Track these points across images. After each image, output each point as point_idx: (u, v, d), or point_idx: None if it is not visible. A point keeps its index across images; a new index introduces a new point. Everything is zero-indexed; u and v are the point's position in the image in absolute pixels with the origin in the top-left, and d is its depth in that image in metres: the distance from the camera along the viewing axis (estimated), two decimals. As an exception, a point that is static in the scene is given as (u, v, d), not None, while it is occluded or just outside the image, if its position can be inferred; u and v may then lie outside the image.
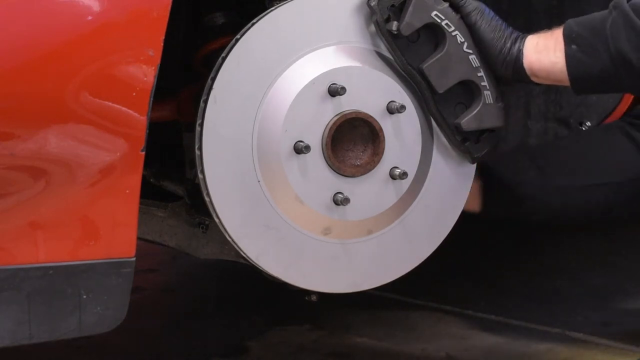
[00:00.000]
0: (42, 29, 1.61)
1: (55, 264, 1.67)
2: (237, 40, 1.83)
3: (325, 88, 1.86)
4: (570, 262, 3.10)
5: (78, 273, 1.69)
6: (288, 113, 1.84)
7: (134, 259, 1.72)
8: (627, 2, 1.88)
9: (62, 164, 1.64)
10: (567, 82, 1.93)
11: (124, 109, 1.65)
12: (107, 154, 1.66)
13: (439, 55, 1.92)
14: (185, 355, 2.54)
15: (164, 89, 1.76)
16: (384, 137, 1.91)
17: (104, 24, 1.64)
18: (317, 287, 1.97)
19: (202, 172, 1.83)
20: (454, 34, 1.92)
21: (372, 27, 1.91)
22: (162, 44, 1.66)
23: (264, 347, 2.55)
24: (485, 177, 2.19)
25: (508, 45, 1.93)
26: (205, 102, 1.81)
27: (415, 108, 1.94)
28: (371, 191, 1.92)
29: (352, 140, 1.92)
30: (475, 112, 1.96)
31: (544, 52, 1.93)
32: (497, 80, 1.97)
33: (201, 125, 1.81)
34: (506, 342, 2.53)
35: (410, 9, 1.88)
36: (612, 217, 2.45)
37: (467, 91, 1.96)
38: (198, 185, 1.85)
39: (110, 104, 1.65)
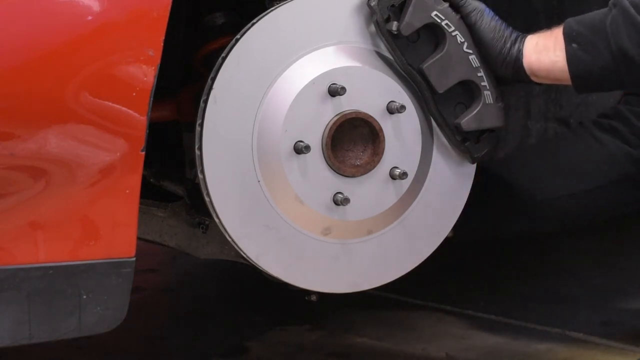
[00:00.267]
0: (42, 29, 1.61)
1: (55, 264, 1.67)
2: (237, 40, 1.83)
3: (325, 88, 1.86)
4: (570, 262, 3.09)
5: (78, 273, 1.69)
6: (288, 113, 1.84)
7: (134, 259, 1.72)
8: None
9: (62, 164, 1.64)
10: (567, 81, 1.93)
11: (124, 109, 1.65)
12: (107, 154, 1.66)
13: (439, 55, 1.92)
14: (185, 355, 2.54)
15: (164, 89, 1.77)
16: (384, 137, 1.91)
17: (104, 24, 1.64)
18: (317, 287, 1.97)
19: (202, 172, 1.83)
20: (454, 34, 1.92)
21: (372, 27, 1.92)
22: (162, 44, 1.66)
23: (264, 347, 2.55)
24: None
25: (508, 45, 1.93)
26: (205, 102, 1.81)
27: (415, 108, 1.94)
28: (371, 191, 1.92)
29: (352, 140, 1.92)
30: (475, 112, 1.96)
31: (544, 51, 1.93)
32: (497, 80, 1.97)
33: (201, 125, 1.81)
34: (506, 342, 2.53)
35: (410, 9, 1.88)
36: (589, 224, 2.43)
37: (467, 91, 1.96)
38: (198, 185, 1.85)
39: (110, 104, 1.65)
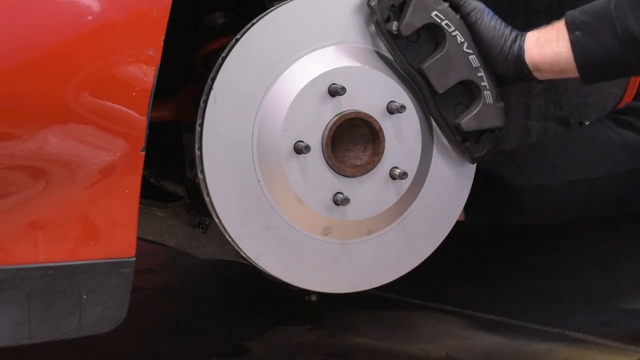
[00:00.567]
0: (42, 28, 1.61)
1: (55, 264, 1.67)
2: (237, 40, 1.83)
3: (325, 88, 1.86)
4: (570, 262, 3.10)
5: (78, 273, 1.69)
6: (288, 113, 1.84)
7: (134, 259, 1.72)
8: None
9: (62, 164, 1.64)
10: (572, 72, 1.91)
11: (124, 109, 1.65)
12: (107, 154, 1.66)
13: (439, 56, 1.92)
14: (185, 355, 2.54)
15: (164, 89, 1.77)
16: (384, 137, 1.91)
17: (104, 24, 1.64)
18: (317, 287, 1.97)
19: (202, 172, 1.83)
20: (454, 34, 1.92)
21: (372, 27, 1.92)
22: (162, 44, 1.66)
23: (264, 347, 2.55)
24: None
25: (508, 43, 1.93)
26: (205, 102, 1.81)
27: (415, 108, 1.94)
28: (371, 191, 1.92)
29: (352, 140, 1.92)
30: (475, 112, 1.96)
31: (546, 44, 1.92)
32: (499, 79, 1.97)
33: (201, 125, 1.81)
34: (506, 342, 2.53)
35: (410, 9, 1.88)
36: (600, 216, 2.42)
37: (467, 91, 1.96)
38: (198, 185, 1.85)
39: (110, 104, 1.65)
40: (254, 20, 1.85)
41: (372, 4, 1.89)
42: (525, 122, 2.47)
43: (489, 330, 2.60)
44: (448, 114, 1.96)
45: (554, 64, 1.92)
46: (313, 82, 1.85)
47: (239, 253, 1.91)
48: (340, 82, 1.86)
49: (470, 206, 2.05)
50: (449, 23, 1.91)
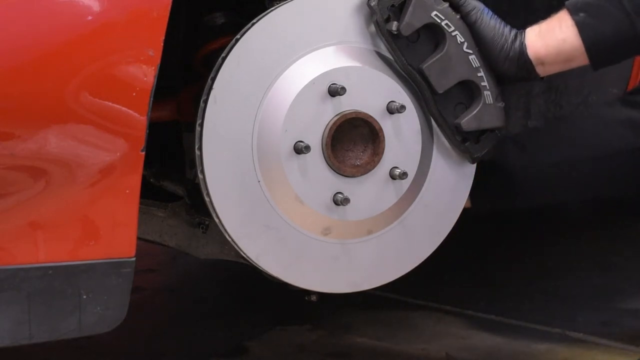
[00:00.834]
0: (42, 28, 1.61)
1: (55, 264, 1.67)
2: (237, 40, 1.83)
3: (325, 88, 1.86)
4: (570, 262, 3.09)
5: (78, 273, 1.69)
6: (288, 113, 1.84)
7: (134, 259, 1.72)
8: None
9: (62, 164, 1.64)
10: (579, 59, 1.89)
11: (124, 109, 1.65)
12: (107, 154, 1.66)
13: (439, 56, 1.92)
14: (185, 355, 2.54)
15: (164, 89, 1.77)
16: (384, 137, 1.91)
17: (104, 24, 1.64)
18: (317, 287, 1.97)
19: (202, 172, 1.83)
20: (454, 34, 1.92)
21: (372, 27, 1.92)
22: (162, 44, 1.66)
23: (264, 347, 2.55)
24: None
25: (509, 42, 1.93)
26: (205, 102, 1.81)
27: (415, 108, 1.94)
28: (371, 191, 1.92)
29: (352, 140, 1.92)
30: (475, 112, 1.96)
31: (549, 34, 1.90)
32: (499, 79, 1.97)
33: (201, 125, 1.81)
34: (506, 342, 2.53)
35: (410, 9, 1.88)
36: (604, 196, 2.40)
37: (467, 91, 1.96)
38: (198, 185, 1.85)
39: (110, 104, 1.65)
40: (254, 20, 1.85)
41: (372, 4, 1.89)
42: (525, 122, 2.47)
43: (489, 330, 2.60)
44: (448, 114, 1.96)
45: (559, 53, 1.90)
46: (313, 82, 1.85)
47: (239, 253, 1.91)
48: (340, 82, 1.86)
49: (475, 191, 2.04)
50: (449, 23, 1.91)
